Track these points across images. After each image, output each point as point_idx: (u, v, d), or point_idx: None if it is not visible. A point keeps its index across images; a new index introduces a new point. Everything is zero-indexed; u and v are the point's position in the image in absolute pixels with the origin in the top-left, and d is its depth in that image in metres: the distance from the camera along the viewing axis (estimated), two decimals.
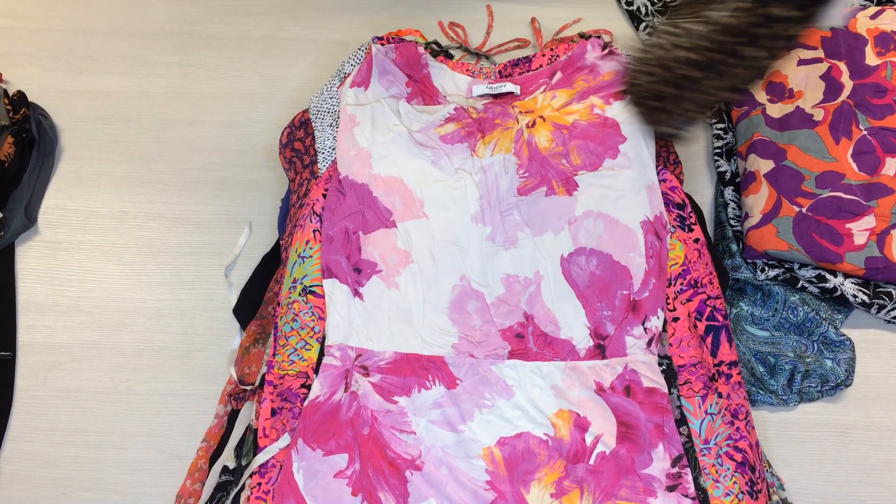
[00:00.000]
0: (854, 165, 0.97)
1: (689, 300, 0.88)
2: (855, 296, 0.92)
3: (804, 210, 0.94)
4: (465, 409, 0.83)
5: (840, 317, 0.95)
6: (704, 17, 0.79)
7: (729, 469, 0.80)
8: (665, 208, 0.91)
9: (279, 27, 1.18)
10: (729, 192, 1.01)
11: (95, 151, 1.08)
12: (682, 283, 0.88)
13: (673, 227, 0.91)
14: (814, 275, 0.93)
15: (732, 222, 0.99)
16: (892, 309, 0.92)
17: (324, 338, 0.86)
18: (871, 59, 1.04)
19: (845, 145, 0.98)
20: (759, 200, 0.96)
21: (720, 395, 0.83)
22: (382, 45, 1.00)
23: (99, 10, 1.19)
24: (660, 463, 0.80)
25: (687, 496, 0.78)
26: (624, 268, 0.88)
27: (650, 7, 1.16)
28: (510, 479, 0.80)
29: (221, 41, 1.17)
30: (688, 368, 0.84)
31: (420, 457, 0.80)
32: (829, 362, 0.90)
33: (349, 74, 1.00)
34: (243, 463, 0.83)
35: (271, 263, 0.98)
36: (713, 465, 0.80)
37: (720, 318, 0.87)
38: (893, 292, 0.92)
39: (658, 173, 0.93)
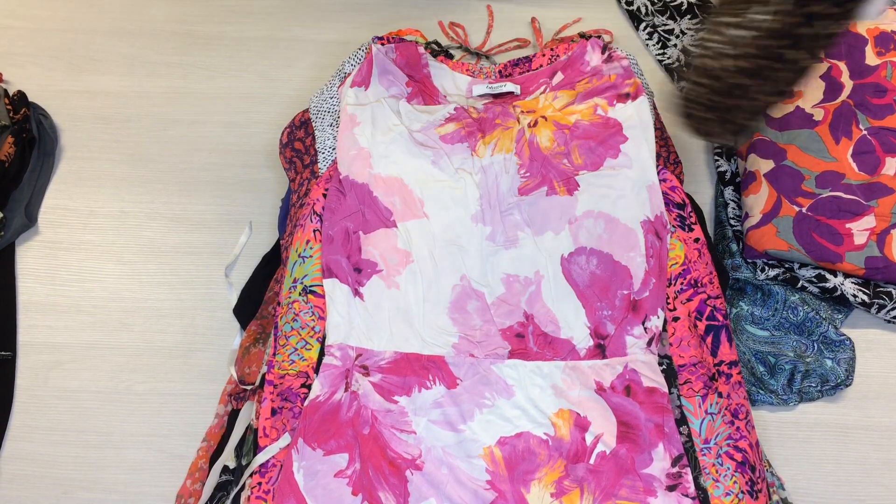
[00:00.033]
0: (854, 165, 0.97)
1: (689, 300, 0.88)
2: (855, 295, 0.92)
3: (804, 210, 0.94)
4: (466, 409, 0.83)
5: (840, 316, 0.95)
6: (748, 21, 0.79)
7: (729, 469, 0.80)
8: (665, 208, 0.91)
9: (279, 27, 1.18)
10: (729, 192, 1.01)
11: (95, 151, 1.08)
12: (682, 283, 0.88)
13: (673, 226, 0.91)
14: (814, 274, 0.93)
15: (732, 222, 0.99)
16: (892, 309, 0.92)
17: (324, 337, 0.86)
18: (871, 58, 1.04)
19: (845, 145, 0.98)
20: (759, 200, 0.96)
21: (720, 395, 0.83)
22: (383, 44, 1.00)
23: (99, 10, 1.19)
24: (660, 462, 0.80)
25: (687, 496, 0.78)
26: (624, 267, 0.88)
27: (650, 7, 1.16)
28: (510, 478, 0.80)
29: (221, 41, 1.17)
30: (688, 368, 0.84)
31: (420, 456, 0.80)
32: (829, 362, 0.90)
33: (349, 74, 1.00)
34: (243, 463, 0.83)
35: (271, 263, 0.98)
36: (713, 465, 0.80)
37: (720, 318, 0.87)
38: (893, 292, 0.92)
39: (658, 173, 0.93)
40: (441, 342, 0.86)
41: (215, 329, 0.96)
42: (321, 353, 0.85)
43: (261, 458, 0.80)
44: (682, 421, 0.82)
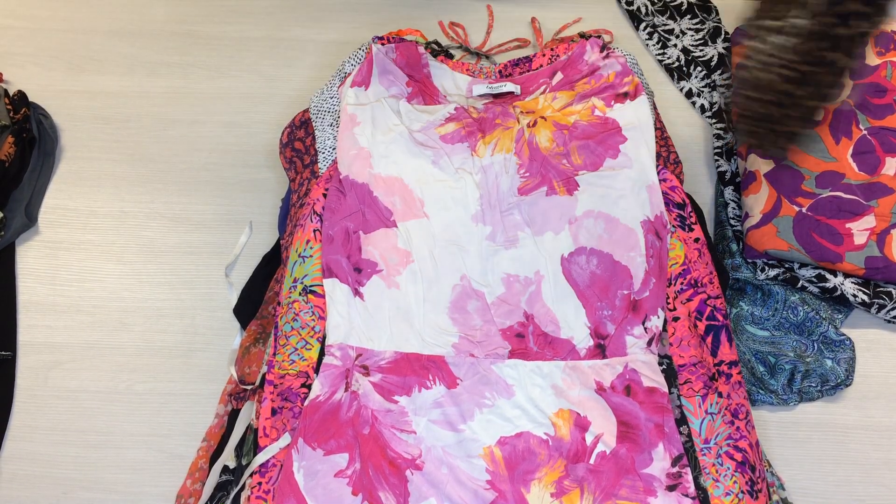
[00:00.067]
0: (854, 165, 0.97)
1: (689, 300, 0.88)
2: (855, 295, 0.92)
3: (804, 210, 0.94)
4: (466, 409, 0.83)
5: (840, 316, 0.95)
6: (789, 26, 0.80)
7: (729, 468, 0.80)
8: (665, 208, 0.91)
9: (279, 27, 1.18)
10: (729, 192, 1.01)
11: (96, 151, 1.08)
12: (682, 283, 0.88)
13: (673, 226, 0.91)
14: (814, 274, 0.93)
15: (732, 222, 0.99)
16: (892, 308, 0.92)
17: (324, 337, 0.86)
18: (871, 58, 1.04)
19: (845, 145, 0.98)
20: (759, 200, 0.96)
21: (720, 395, 0.83)
22: (383, 44, 1.00)
23: (99, 10, 1.19)
24: (660, 462, 0.80)
25: (687, 496, 0.78)
26: (624, 267, 0.88)
27: (650, 7, 1.16)
28: (510, 478, 0.80)
29: (221, 41, 1.17)
30: (688, 368, 0.84)
31: (420, 456, 0.80)
32: (829, 362, 0.90)
33: (349, 74, 1.00)
34: (244, 462, 0.83)
35: (272, 263, 0.98)
36: (713, 465, 0.80)
37: (720, 318, 0.87)
38: (893, 292, 0.92)
39: (658, 173, 0.93)
40: (441, 342, 0.86)
41: (215, 329, 0.96)
42: (321, 353, 0.85)
43: (261, 457, 0.80)
44: (682, 421, 0.82)
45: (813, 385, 0.89)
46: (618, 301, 0.87)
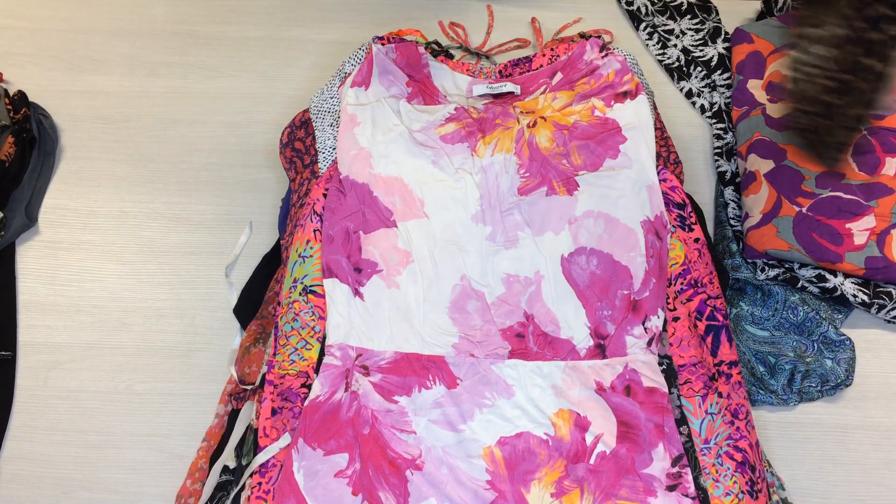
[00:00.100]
0: (854, 165, 0.97)
1: (689, 300, 0.88)
2: (855, 296, 0.92)
3: (804, 210, 0.94)
4: (466, 409, 0.83)
5: (840, 317, 0.95)
6: (828, 34, 0.81)
7: (729, 469, 0.80)
8: (665, 208, 0.91)
9: (279, 27, 1.18)
10: (729, 192, 1.01)
11: (96, 151, 1.08)
12: (682, 283, 0.88)
13: (673, 226, 0.91)
14: (814, 275, 0.93)
15: (732, 222, 0.99)
16: (892, 309, 0.92)
17: (324, 337, 0.86)
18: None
19: None
20: (759, 200, 0.96)
21: (720, 395, 0.83)
22: (383, 44, 1.00)
23: (99, 10, 1.19)
24: (660, 462, 0.80)
25: (687, 496, 0.78)
26: (624, 267, 0.88)
27: (650, 7, 1.16)
28: (510, 478, 0.80)
29: (221, 41, 1.17)
30: (688, 368, 0.84)
31: (420, 456, 0.80)
32: (829, 362, 0.90)
33: (350, 74, 1.00)
34: (244, 463, 0.83)
35: (272, 263, 0.98)
36: (713, 465, 0.80)
37: (720, 318, 0.87)
38: (893, 292, 0.92)
39: (658, 173, 0.93)
40: (441, 342, 0.86)
41: (215, 329, 0.96)
42: (321, 353, 0.85)
43: (261, 457, 0.80)
44: (682, 421, 0.82)
45: (813, 385, 0.89)
46: (618, 301, 0.87)
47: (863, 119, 0.87)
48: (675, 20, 1.15)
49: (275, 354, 0.85)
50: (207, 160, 1.07)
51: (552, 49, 1.03)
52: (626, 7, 1.18)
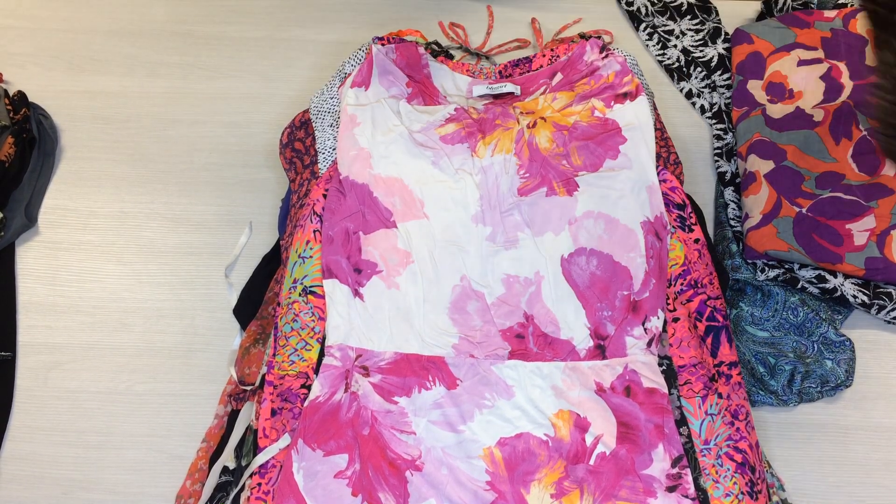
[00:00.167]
0: (854, 166, 0.97)
1: (689, 300, 0.88)
2: (855, 296, 0.92)
3: (804, 210, 0.94)
4: (466, 410, 0.83)
5: (840, 317, 0.95)
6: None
7: (729, 470, 0.80)
8: (665, 209, 0.91)
9: (279, 27, 1.18)
10: (729, 193, 1.01)
11: (96, 151, 1.08)
12: (682, 284, 0.88)
13: (673, 227, 0.91)
14: (814, 275, 0.93)
15: (732, 223, 0.99)
16: (892, 309, 0.92)
17: (324, 338, 0.86)
18: (872, 59, 1.04)
19: (845, 146, 0.98)
20: (759, 201, 0.96)
21: (720, 396, 0.83)
22: (383, 45, 1.00)
23: (99, 10, 1.19)
24: (660, 463, 0.80)
25: (687, 497, 0.78)
26: (624, 268, 0.88)
27: (650, 7, 1.16)
28: (510, 479, 0.80)
29: (221, 41, 1.16)
30: (688, 369, 0.84)
31: (420, 457, 0.80)
32: (829, 363, 0.90)
33: (349, 75, 1.00)
34: (243, 463, 0.83)
35: (271, 263, 0.98)
36: (713, 466, 0.80)
37: (720, 319, 0.87)
38: (893, 293, 0.92)
39: (658, 174, 0.93)
40: (441, 343, 0.86)
41: (215, 329, 0.96)
42: (321, 354, 0.85)
43: (260, 458, 0.80)
44: (681, 422, 0.82)
45: (813, 386, 0.89)
46: (618, 302, 0.87)
47: None
48: (675, 21, 1.15)
49: (274, 355, 0.85)
50: (207, 160, 1.07)
51: (552, 50, 1.03)
52: (626, 7, 1.18)
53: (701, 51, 1.13)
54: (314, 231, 0.90)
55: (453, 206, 0.92)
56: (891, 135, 0.83)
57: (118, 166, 1.07)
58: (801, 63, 1.05)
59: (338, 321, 0.86)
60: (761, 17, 1.14)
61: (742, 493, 0.79)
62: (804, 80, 1.04)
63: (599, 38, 1.02)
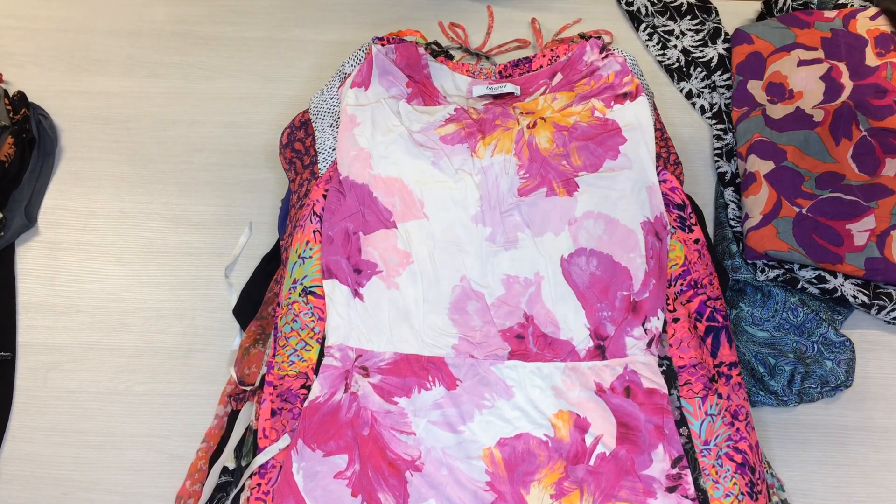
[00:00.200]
0: (854, 166, 0.97)
1: (689, 301, 0.88)
2: (855, 297, 0.92)
3: (804, 211, 0.94)
4: (465, 410, 0.83)
5: (840, 318, 0.95)
6: None
7: (729, 470, 0.80)
8: (665, 209, 0.91)
9: (279, 27, 1.18)
10: (729, 193, 1.01)
11: (95, 152, 1.08)
12: (682, 284, 0.88)
13: (673, 227, 0.91)
14: (814, 276, 0.93)
15: (732, 223, 0.99)
16: (892, 310, 0.92)
17: (324, 338, 0.86)
18: (871, 59, 1.04)
19: (845, 146, 0.98)
20: (759, 201, 0.96)
21: (720, 396, 0.83)
22: (383, 45, 1.00)
23: (99, 10, 1.19)
24: (660, 464, 0.80)
25: (687, 497, 0.78)
26: (624, 268, 0.88)
27: (650, 7, 1.16)
28: (510, 479, 0.80)
29: (221, 41, 1.16)
30: (688, 369, 0.84)
31: (420, 457, 0.80)
32: (829, 363, 0.90)
33: (349, 75, 1.00)
34: (243, 464, 0.83)
35: (271, 264, 0.98)
36: (713, 466, 0.80)
37: (720, 319, 0.87)
38: (893, 293, 0.92)
39: (658, 174, 0.93)
40: (441, 343, 0.86)
41: (215, 330, 0.96)
42: (321, 354, 0.85)
43: (260, 459, 0.80)
44: (681, 422, 0.82)
45: (813, 386, 0.89)
46: (617, 302, 0.87)
47: None
48: (675, 21, 1.15)
49: (274, 355, 0.85)
50: (207, 160, 1.07)
51: (552, 50, 1.03)
52: (626, 8, 1.18)
53: (701, 51, 1.13)
54: (314, 231, 0.90)
55: (453, 206, 0.92)
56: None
57: (118, 166, 1.07)
58: (802, 63, 1.05)
59: (337, 321, 0.86)
60: (761, 17, 1.14)
61: (742, 493, 0.79)
62: (804, 80, 1.04)
63: (599, 38, 1.02)
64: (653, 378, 0.84)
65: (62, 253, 1.01)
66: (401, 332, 0.86)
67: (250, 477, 0.80)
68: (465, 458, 0.81)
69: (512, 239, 0.91)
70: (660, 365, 0.85)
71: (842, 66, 1.04)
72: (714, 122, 1.08)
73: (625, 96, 0.97)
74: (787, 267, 0.94)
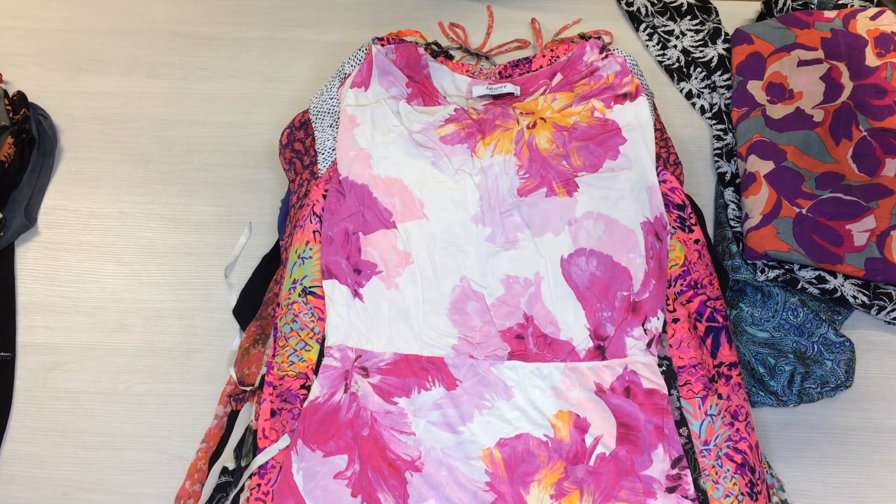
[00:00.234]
0: (854, 166, 0.97)
1: (689, 301, 0.88)
2: (855, 297, 0.92)
3: (804, 211, 0.94)
4: (465, 411, 0.83)
5: (840, 318, 0.95)
6: None
7: (729, 470, 0.80)
8: (665, 209, 0.91)
9: (279, 27, 1.18)
10: (729, 193, 1.01)
11: (95, 152, 1.08)
12: (682, 284, 0.88)
13: (673, 227, 0.91)
14: (814, 276, 0.93)
15: (732, 223, 0.99)
16: (892, 310, 0.92)
17: (323, 339, 0.86)
18: (871, 60, 1.04)
19: (845, 146, 0.98)
20: (758, 201, 0.96)
21: (720, 397, 0.83)
22: (382, 45, 1.00)
23: (99, 11, 1.19)
24: (659, 464, 0.80)
25: (687, 497, 0.78)
26: (624, 269, 0.88)
27: (650, 8, 1.16)
28: (510, 480, 0.80)
29: (221, 41, 1.17)
30: (688, 370, 0.84)
31: (420, 458, 0.80)
32: (829, 363, 0.90)
33: (349, 75, 1.00)
34: (243, 464, 0.83)
35: (271, 264, 0.98)
36: (713, 467, 0.80)
37: (720, 320, 0.87)
38: (893, 293, 0.92)
39: (658, 174, 0.93)
40: (440, 343, 0.86)
41: (215, 330, 0.96)
42: (320, 355, 0.85)
43: (260, 459, 0.80)
44: (681, 422, 0.82)
45: (813, 386, 0.89)
46: (617, 302, 0.87)
47: None
48: (675, 21, 1.15)
49: (274, 356, 0.85)
50: (207, 161, 1.07)
51: (552, 50, 1.03)
52: (625, 8, 1.18)
53: (701, 51, 1.13)
54: (314, 231, 0.90)
55: (453, 206, 0.92)
56: None
57: (118, 167, 1.07)
58: (802, 63, 1.05)
59: (337, 322, 0.86)
60: (761, 17, 1.14)
61: (742, 493, 0.79)
62: (804, 80, 1.04)
63: (599, 38, 1.02)
64: (653, 378, 0.84)
65: (62, 253, 1.01)
66: (400, 333, 0.86)
67: (250, 477, 0.80)
68: (464, 459, 0.81)
69: (512, 239, 0.90)
70: (660, 365, 0.85)
71: (842, 67, 1.04)
72: (714, 122, 1.08)
73: (625, 96, 0.97)
74: (787, 267, 0.94)
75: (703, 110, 1.09)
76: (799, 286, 0.93)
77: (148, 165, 1.07)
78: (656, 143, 0.96)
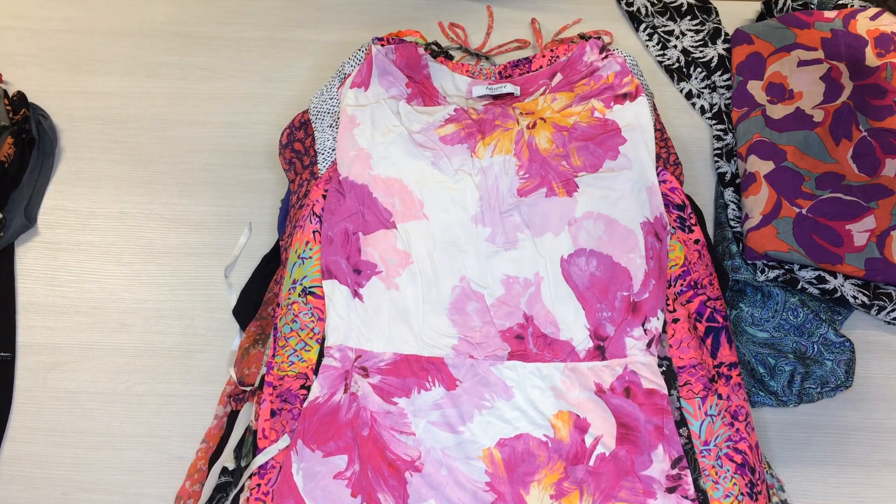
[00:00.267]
0: (854, 166, 0.97)
1: (689, 301, 0.88)
2: (855, 297, 0.92)
3: (804, 211, 0.94)
4: (465, 411, 0.83)
5: (840, 318, 0.94)
6: None
7: (729, 470, 0.80)
8: (665, 209, 0.91)
9: (279, 27, 1.18)
10: (729, 194, 1.01)
11: (95, 152, 1.08)
12: (682, 285, 0.88)
13: (673, 228, 0.91)
14: (814, 276, 0.93)
15: (732, 223, 0.99)
16: (892, 310, 0.92)
17: (323, 339, 0.86)
18: (871, 60, 1.04)
19: (845, 146, 0.98)
20: (758, 201, 0.96)
21: (720, 397, 0.83)
22: (382, 45, 1.00)
23: (99, 11, 1.19)
24: (659, 464, 0.80)
25: (686, 498, 0.78)
26: (624, 269, 0.88)
27: (650, 8, 1.16)
28: (510, 480, 0.80)
29: (221, 41, 1.16)
30: (688, 370, 0.84)
31: (420, 458, 0.80)
32: (829, 363, 0.90)
33: (349, 75, 1.00)
34: (243, 464, 0.83)
35: (271, 264, 0.98)
36: (713, 467, 0.80)
37: (720, 320, 0.87)
38: (893, 293, 0.92)
39: (658, 174, 0.93)
40: (440, 343, 0.86)
41: (215, 330, 0.96)
42: (320, 355, 0.85)
43: (260, 459, 0.80)
44: (681, 423, 0.82)
45: (813, 386, 0.89)
46: (617, 302, 0.87)
47: None
48: (675, 21, 1.15)
49: (274, 356, 0.85)
50: (207, 161, 1.07)
51: (552, 50, 1.03)
52: (625, 8, 1.17)
53: (701, 51, 1.13)
54: (313, 232, 0.90)
55: (453, 206, 0.92)
56: None
57: (118, 167, 1.07)
58: (802, 63, 1.05)
59: (337, 322, 0.86)
60: (761, 17, 1.14)
61: (742, 493, 0.79)
62: (804, 80, 1.04)
63: (599, 38, 1.02)
64: (653, 378, 0.83)
65: (62, 253, 1.01)
66: (400, 333, 0.86)
67: (250, 477, 0.80)
68: (464, 459, 0.81)
69: (512, 239, 0.90)
70: (659, 365, 0.85)
71: (842, 67, 1.04)
72: (714, 122, 1.08)
73: (624, 97, 0.97)
74: (787, 267, 0.94)
75: (703, 110, 1.09)
76: (799, 286, 0.93)
77: (148, 165, 1.07)
78: (656, 144, 0.96)
